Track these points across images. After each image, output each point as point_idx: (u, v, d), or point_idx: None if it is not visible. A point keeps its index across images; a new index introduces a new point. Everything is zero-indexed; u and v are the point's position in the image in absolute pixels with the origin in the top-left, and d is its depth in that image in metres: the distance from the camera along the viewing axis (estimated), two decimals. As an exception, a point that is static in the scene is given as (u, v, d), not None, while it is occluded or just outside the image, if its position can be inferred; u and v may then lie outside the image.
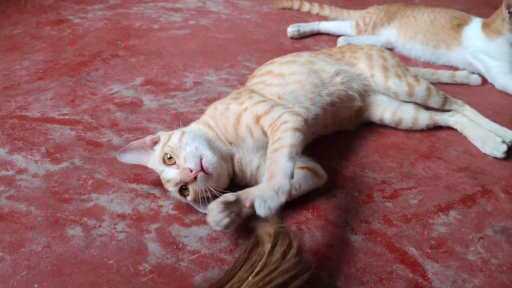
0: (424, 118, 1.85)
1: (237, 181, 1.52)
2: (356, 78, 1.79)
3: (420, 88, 1.82)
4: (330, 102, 1.67)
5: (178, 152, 1.38)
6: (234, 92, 1.61)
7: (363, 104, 1.82)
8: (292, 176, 1.21)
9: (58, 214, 1.40)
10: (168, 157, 1.40)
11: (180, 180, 1.35)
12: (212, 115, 1.53)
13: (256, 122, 1.43)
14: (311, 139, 1.67)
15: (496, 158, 1.73)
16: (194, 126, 1.55)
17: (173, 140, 1.42)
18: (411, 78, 1.83)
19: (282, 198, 1.15)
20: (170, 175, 1.38)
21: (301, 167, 1.49)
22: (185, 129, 1.50)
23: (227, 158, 1.48)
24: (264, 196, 1.15)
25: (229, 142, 1.49)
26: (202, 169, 1.34)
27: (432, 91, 1.83)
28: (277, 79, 1.66)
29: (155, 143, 1.50)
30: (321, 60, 1.78)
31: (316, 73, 1.69)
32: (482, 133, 1.78)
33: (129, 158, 1.49)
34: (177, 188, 1.38)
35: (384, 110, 1.84)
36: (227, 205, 1.26)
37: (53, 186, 1.52)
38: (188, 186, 1.36)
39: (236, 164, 1.50)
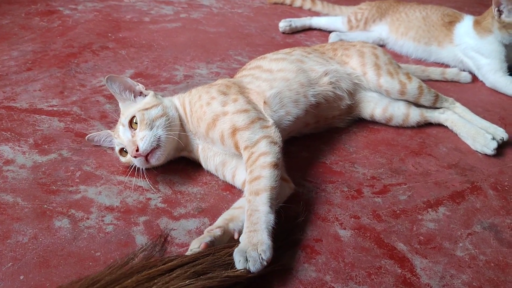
0: (415, 115, 1.85)
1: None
2: (346, 77, 1.78)
3: (412, 87, 1.82)
4: (315, 104, 1.66)
5: (143, 127, 1.45)
6: (224, 84, 1.59)
7: (352, 102, 1.81)
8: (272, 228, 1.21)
9: (45, 206, 1.39)
10: (135, 121, 1.46)
11: (125, 147, 1.48)
12: (193, 102, 1.53)
13: (231, 134, 1.42)
14: (286, 137, 1.63)
15: (486, 155, 1.74)
16: (176, 102, 1.60)
17: (151, 113, 1.48)
18: (403, 76, 1.83)
19: (264, 263, 1.12)
20: (122, 135, 1.47)
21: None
22: (168, 106, 1.55)
23: (188, 147, 1.55)
24: (246, 254, 1.13)
25: (195, 133, 1.53)
26: (146, 157, 1.43)
27: (423, 89, 1.83)
28: (265, 74, 1.65)
29: (141, 93, 1.61)
30: (311, 59, 1.77)
31: (305, 72, 1.68)
32: (472, 130, 1.79)
33: (112, 87, 1.56)
34: (118, 147, 1.52)
35: (374, 106, 1.84)
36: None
37: (41, 177, 1.50)
38: (128, 154, 1.48)
39: (200, 153, 1.54)
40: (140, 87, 1.59)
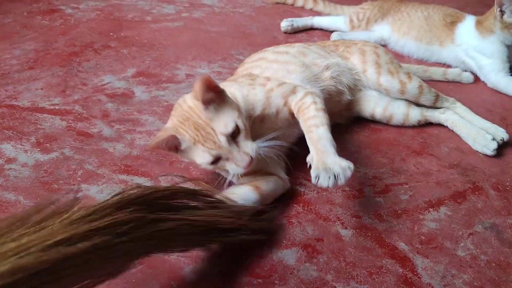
0: (415, 114, 1.85)
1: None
2: (347, 71, 1.78)
3: (412, 86, 1.81)
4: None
5: (247, 135, 1.33)
6: (246, 77, 1.57)
7: (353, 98, 1.81)
8: None
9: (47, 204, 1.39)
10: (238, 131, 1.32)
11: (225, 157, 1.31)
12: (239, 89, 1.46)
13: (284, 104, 1.47)
14: (296, 139, 1.60)
15: (486, 155, 1.74)
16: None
17: (243, 117, 1.35)
18: (404, 75, 1.82)
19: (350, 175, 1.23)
20: (227, 146, 1.29)
21: (269, 173, 1.46)
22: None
23: None
24: (330, 172, 1.22)
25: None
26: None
27: (424, 88, 1.83)
28: (275, 64, 1.64)
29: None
30: (313, 52, 1.76)
31: (308, 67, 1.67)
32: (472, 131, 1.78)
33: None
34: (212, 157, 1.30)
35: (375, 105, 1.84)
36: None
37: (43, 176, 1.51)
38: (224, 163, 1.33)
39: None
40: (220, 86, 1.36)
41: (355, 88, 1.81)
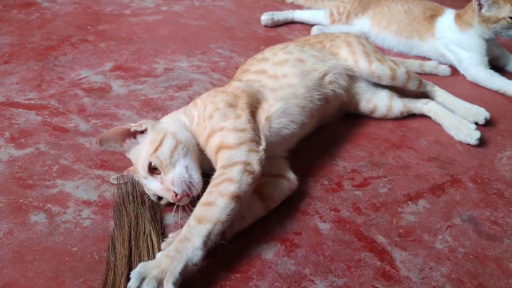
0: (398, 105, 1.86)
1: None
2: (343, 72, 1.74)
3: (401, 71, 1.84)
4: (320, 105, 1.62)
5: (167, 169, 1.29)
6: (233, 93, 1.46)
7: (346, 100, 1.79)
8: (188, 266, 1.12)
9: (21, 200, 1.36)
10: (154, 167, 1.30)
11: (162, 196, 1.35)
12: (200, 114, 1.41)
13: (216, 152, 1.31)
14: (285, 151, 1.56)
15: (469, 144, 1.75)
16: (184, 119, 1.44)
17: (164, 150, 1.30)
18: (391, 62, 1.85)
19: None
20: (153, 187, 1.32)
21: (276, 175, 1.44)
22: (175, 131, 1.36)
23: None
24: (145, 278, 1.05)
25: None
26: (187, 194, 1.28)
27: (410, 74, 1.87)
28: (272, 81, 1.55)
29: (141, 132, 1.39)
30: (310, 56, 1.69)
31: (308, 74, 1.61)
32: (456, 121, 1.80)
33: (109, 145, 1.38)
34: (156, 197, 1.38)
35: (359, 98, 1.83)
36: None
37: (17, 171, 1.48)
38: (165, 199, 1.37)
39: None
40: (134, 127, 1.38)
41: (350, 88, 1.78)
